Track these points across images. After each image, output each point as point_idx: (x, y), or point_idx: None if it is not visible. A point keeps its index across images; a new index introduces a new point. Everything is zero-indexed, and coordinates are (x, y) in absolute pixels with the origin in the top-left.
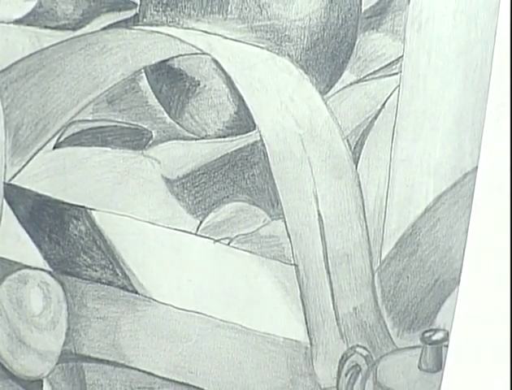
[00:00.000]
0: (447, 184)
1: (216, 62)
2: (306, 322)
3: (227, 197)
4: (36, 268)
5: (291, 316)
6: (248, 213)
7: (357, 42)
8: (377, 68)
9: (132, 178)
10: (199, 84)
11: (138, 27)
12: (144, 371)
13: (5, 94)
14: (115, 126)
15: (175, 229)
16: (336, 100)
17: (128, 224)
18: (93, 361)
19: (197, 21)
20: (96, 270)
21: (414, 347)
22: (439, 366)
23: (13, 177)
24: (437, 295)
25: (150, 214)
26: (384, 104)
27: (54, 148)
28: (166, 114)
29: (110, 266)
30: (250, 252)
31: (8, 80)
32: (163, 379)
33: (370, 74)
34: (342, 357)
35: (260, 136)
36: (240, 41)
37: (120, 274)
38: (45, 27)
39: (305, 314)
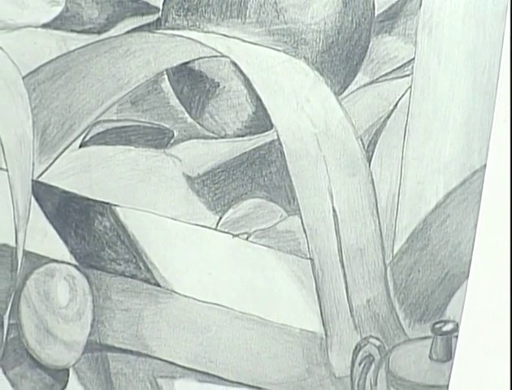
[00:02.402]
0: (457, 182)
1: (235, 64)
2: (321, 314)
3: (246, 193)
4: (62, 262)
5: (307, 308)
6: (265, 209)
7: (370, 45)
8: (389, 70)
9: (154, 175)
10: (219, 86)
11: (160, 30)
12: (166, 361)
13: (33, 95)
14: (138, 125)
15: (196, 225)
16: (350, 100)
17: (150, 220)
18: (117, 351)
19: (216, 25)
20: (120, 264)
21: (424, 338)
22: (449, 355)
23: (41, 175)
24: (447, 288)
25: (172, 210)
26: (396, 104)
27: (80, 147)
28: (187, 115)
29: (134, 260)
30: (268, 246)
31: (36, 82)
32: (184, 368)
33: (383, 76)
34: (356, 347)
35: (277, 135)
36: (258, 44)
37: (143, 267)
38: (72, 31)
39: (320, 306)
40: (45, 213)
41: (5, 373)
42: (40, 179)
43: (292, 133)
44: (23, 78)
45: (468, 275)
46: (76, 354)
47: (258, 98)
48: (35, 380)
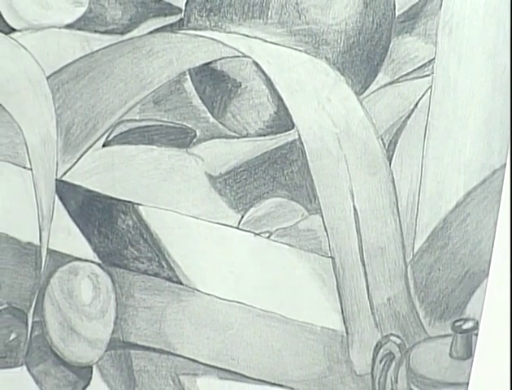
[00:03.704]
0: (477, 181)
1: (257, 64)
2: (342, 312)
3: (267, 192)
4: (86, 260)
5: (328, 306)
6: (287, 208)
7: (391, 45)
8: (410, 70)
9: (176, 175)
10: (240, 86)
11: (183, 31)
12: (188, 358)
13: (57, 95)
14: (161, 125)
15: (218, 223)
16: (370, 100)
17: (173, 219)
18: (140, 348)
19: (238, 25)
20: (143, 263)
21: (445, 335)
22: (469, 353)
23: (64, 174)
24: (467, 286)
25: (194, 209)
26: (416, 104)
27: (103, 146)
28: (209, 114)
29: (157, 259)
30: (289, 245)
31: (60, 82)
32: (206, 365)
33: (404, 75)
34: (377, 345)
35: (298, 134)
36: (279, 45)
37: (166, 266)
38: (95, 31)
39: (341, 304)
40: (68, 212)
41: (29, 370)
42: (63, 179)
43: (313, 133)
44: (47, 78)
45: (488, 274)
46: (100, 352)
47: (280, 98)
48: (59, 377)
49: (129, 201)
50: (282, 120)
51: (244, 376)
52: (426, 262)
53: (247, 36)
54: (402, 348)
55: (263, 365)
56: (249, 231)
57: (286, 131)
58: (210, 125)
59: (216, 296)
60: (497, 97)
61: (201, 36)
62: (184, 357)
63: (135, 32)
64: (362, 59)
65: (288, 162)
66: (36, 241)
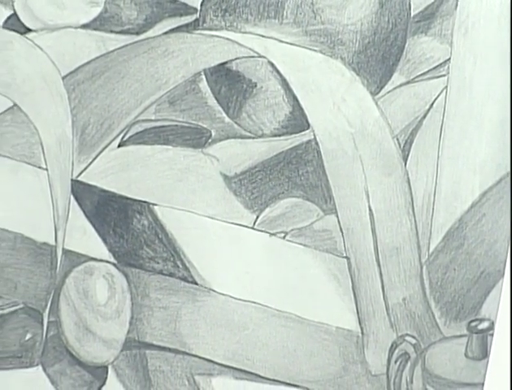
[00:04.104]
0: (492, 181)
1: (272, 64)
2: (358, 312)
3: (283, 192)
4: (101, 260)
5: (343, 306)
6: (302, 208)
7: (406, 45)
8: (425, 70)
9: (192, 175)
10: (256, 86)
11: (198, 31)
12: (203, 358)
13: (72, 95)
14: (176, 125)
15: (233, 223)
16: (386, 100)
17: (188, 219)
18: (155, 348)
19: (254, 26)
20: (158, 263)
21: (460, 336)
22: (484, 353)
23: (80, 174)
24: (483, 286)
25: (209, 209)
26: (432, 104)
27: (119, 146)
28: (224, 114)
29: (172, 259)
30: (304, 245)
31: (75, 82)
32: (222, 365)
33: (419, 76)
34: (392, 345)
35: (314, 134)
36: (294, 45)
37: (181, 266)
38: (111, 31)
39: (356, 305)
40: (84, 212)
41: (45, 370)
42: (79, 179)
43: (328, 133)
44: (62, 78)
45: (503, 274)
46: (115, 352)
47: (295, 98)
48: (74, 377)
49: (145, 201)
50: (297, 120)
51: (259, 376)
52: (441, 263)
53: (262, 36)
54: (417, 348)
55: (278, 365)
56: (264, 232)
57: (301, 131)
58: (226, 125)
59: (231, 297)
60: None
61: (217, 36)
62: (200, 357)
63: (150, 33)
64: (378, 59)
65: (303, 163)
66: (52, 241)
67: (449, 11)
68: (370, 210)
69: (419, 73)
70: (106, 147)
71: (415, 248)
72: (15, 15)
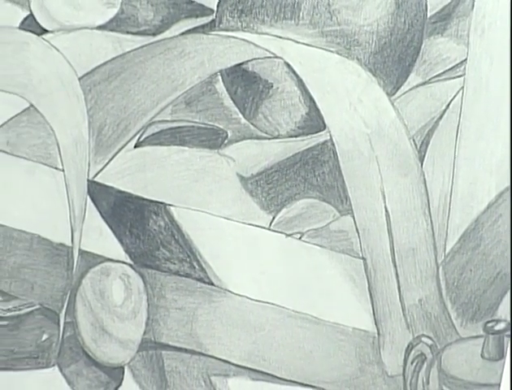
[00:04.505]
0: (508, 181)
1: (288, 65)
2: (374, 313)
3: (299, 193)
4: (117, 261)
5: (359, 307)
6: (318, 209)
7: (422, 46)
8: (442, 71)
9: (208, 175)
10: (272, 87)
11: (215, 32)
12: (219, 359)
13: (89, 96)
14: (193, 126)
15: (249, 224)
16: (402, 101)
17: (204, 219)
18: (171, 349)
19: (270, 26)
20: (174, 263)
21: (476, 336)
22: (501, 354)
23: (96, 174)
24: (499, 287)
25: (225, 210)
26: (448, 105)
27: (135, 147)
28: (240, 115)
29: (188, 259)
30: (320, 246)
31: (92, 83)
32: (238, 366)
33: (436, 76)
34: (408, 346)
35: (330, 135)
36: (311, 46)
37: (197, 266)
38: (127, 32)
39: (372, 306)
40: (100, 212)
41: (61, 370)
42: (95, 179)
43: (344, 134)
44: (79, 79)
45: None
46: (131, 352)
47: (311, 99)
48: (91, 378)
49: (161, 202)
50: (313, 121)
51: (275, 377)
52: (457, 263)
53: (279, 37)
54: (434, 349)
55: (295, 366)
56: (280, 232)
57: (317, 132)
58: (242, 126)
59: (247, 297)
60: None
61: (233, 37)
62: (216, 358)
63: (167, 34)
64: (394, 60)
65: (319, 163)
66: (68, 242)
67: (466, 12)
68: (386, 210)
69: (436, 74)
70: (122, 148)
71: (431, 249)
72: (31, 15)
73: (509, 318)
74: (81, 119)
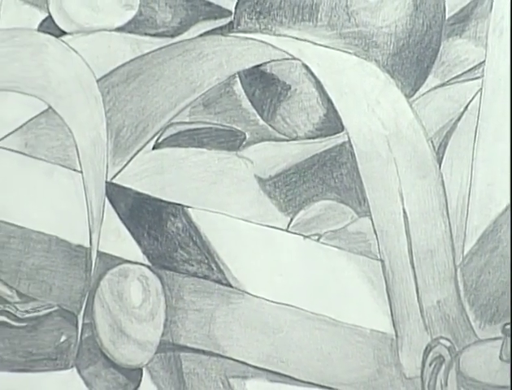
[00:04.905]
0: None
1: (306, 67)
2: (392, 315)
3: (317, 195)
4: (135, 263)
5: (377, 309)
6: (336, 210)
7: (441, 48)
8: (460, 73)
9: (226, 177)
10: (290, 88)
11: (233, 34)
12: (237, 361)
13: (107, 98)
14: (211, 128)
15: (267, 226)
16: (420, 103)
17: (222, 221)
18: (189, 350)
19: (288, 28)
20: (192, 265)
21: (495, 338)
22: None
23: (114, 176)
24: None
25: (244, 212)
26: (466, 107)
27: (153, 149)
28: (258, 117)
29: (206, 261)
30: (338, 248)
31: (110, 85)
32: (256, 367)
33: (454, 78)
34: (426, 348)
35: (348, 137)
36: (329, 47)
37: (215, 268)
38: (145, 34)
39: (390, 307)
40: (118, 214)
41: (79, 372)
42: (113, 181)
43: (362, 135)
44: (97, 81)
45: None
46: (149, 354)
47: (329, 101)
48: (109, 379)
49: (179, 204)
50: (331, 123)
51: (293, 379)
52: (476, 265)
53: (297, 38)
54: (452, 351)
55: (313, 367)
56: (298, 234)
57: (336, 133)
58: (260, 128)
59: (265, 299)
60: None
61: (251, 38)
62: (234, 360)
63: (185, 35)
64: (412, 62)
65: (337, 165)
66: (87, 244)
67: (484, 14)
68: (404, 212)
69: (454, 75)
70: (140, 149)
71: (450, 250)
72: (50, 17)
73: None
74: (99, 121)
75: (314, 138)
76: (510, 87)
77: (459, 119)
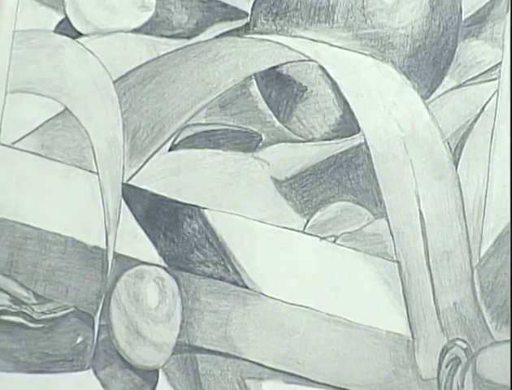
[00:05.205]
0: None
1: (323, 68)
2: (408, 317)
3: (333, 196)
4: (152, 264)
5: (393, 310)
6: (352, 212)
7: (457, 49)
8: (477, 74)
9: (242, 179)
10: (306, 90)
11: (249, 35)
12: (254, 362)
13: (123, 99)
14: (227, 129)
15: (284, 227)
16: (436, 104)
17: (238, 223)
18: (205, 352)
19: (304, 30)
20: (208, 266)
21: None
22: None
23: (131, 178)
24: None
25: (260, 213)
26: (483, 108)
27: (170, 150)
28: (275, 118)
29: (222, 263)
30: (355, 249)
31: (126, 86)
32: (272, 369)
33: (470, 79)
34: (443, 349)
35: (364, 138)
36: (345, 49)
37: (231, 270)
38: (161, 35)
39: (407, 309)
40: (134, 215)
41: (96, 373)
42: (130, 182)
43: (379, 137)
44: (113, 82)
45: None
46: (166, 355)
47: (346, 102)
48: (125, 381)
49: (195, 205)
50: (348, 124)
51: (309, 380)
52: (492, 267)
53: (313, 40)
54: (468, 352)
55: (329, 369)
56: (314, 235)
57: (352, 135)
58: (276, 129)
59: (281, 300)
60: None
61: (267, 40)
62: (250, 361)
63: (201, 37)
64: (429, 63)
65: (353, 166)
66: (103, 245)
67: (501, 15)
68: (420, 213)
69: (470, 77)
70: (156, 151)
71: (466, 252)
72: (66, 19)
73: None
74: (116, 123)
75: (330, 140)
76: None
77: (476, 120)
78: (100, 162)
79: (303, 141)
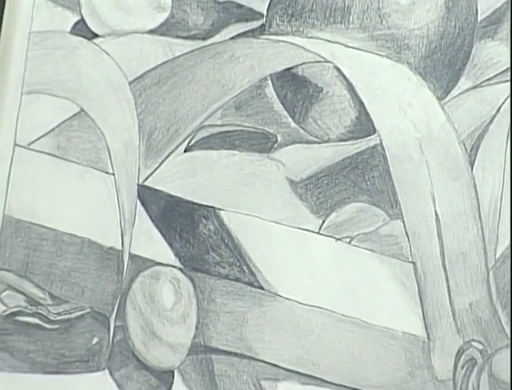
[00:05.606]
0: None
1: (338, 69)
2: (424, 318)
3: (349, 197)
4: (167, 265)
5: (409, 311)
6: (368, 213)
7: (473, 50)
8: (492, 75)
9: (258, 180)
10: (322, 91)
11: (264, 36)
12: (269, 363)
13: (139, 101)
14: (243, 130)
15: (299, 228)
16: (452, 105)
17: (254, 224)
18: (221, 353)
19: (320, 30)
20: (224, 267)
21: None
22: None
23: (146, 179)
24: None
25: (275, 214)
26: (498, 109)
27: (185, 151)
28: (290, 119)
29: (238, 264)
30: (370, 250)
31: (142, 87)
32: (287, 370)
33: (486, 80)
34: (458, 350)
35: (380, 139)
36: (361, 50)
37: (247, 271)
38: (177, 37)
39: (422, 310)
40: (150, 216)
41: (111, 374)
42: (145, 184)
43: (394, 138)
44: (129, 83)
45: None
46: (181, 356)
47: (361, 103)
48: (141, 382)
49: (211, 206)
50: (363, 125)
51: (325, 381)
52: (508, 268)
53: (329, 41)
54: (484, 354)
55: (344, 370)
56: (330, 237)
57: (367, 136)
58: (292, 130)
59: (297, 302)
60: None
61: (283, 41)
62: (265, 362)
63: (217, 38)
64: (444, 64)
65: (369, 168)
66: (119, 246)
67: None
68: (436, 214)
69: (486, 78)
70: (172, 152)
71: (482, 253)
72: (82, 20)
73: None
74: (131, 124)
75: (345, 141)
76: None
77: (491, 121)
78: (116, 163)
79: (319, 142)
